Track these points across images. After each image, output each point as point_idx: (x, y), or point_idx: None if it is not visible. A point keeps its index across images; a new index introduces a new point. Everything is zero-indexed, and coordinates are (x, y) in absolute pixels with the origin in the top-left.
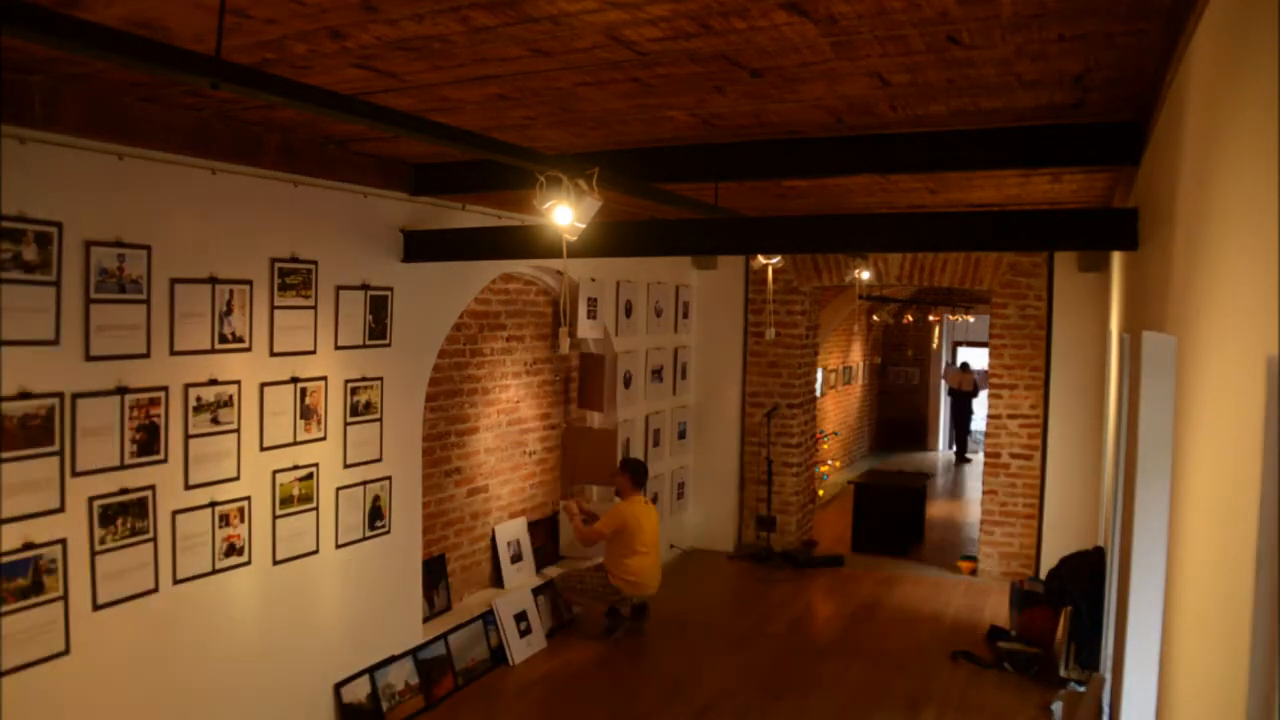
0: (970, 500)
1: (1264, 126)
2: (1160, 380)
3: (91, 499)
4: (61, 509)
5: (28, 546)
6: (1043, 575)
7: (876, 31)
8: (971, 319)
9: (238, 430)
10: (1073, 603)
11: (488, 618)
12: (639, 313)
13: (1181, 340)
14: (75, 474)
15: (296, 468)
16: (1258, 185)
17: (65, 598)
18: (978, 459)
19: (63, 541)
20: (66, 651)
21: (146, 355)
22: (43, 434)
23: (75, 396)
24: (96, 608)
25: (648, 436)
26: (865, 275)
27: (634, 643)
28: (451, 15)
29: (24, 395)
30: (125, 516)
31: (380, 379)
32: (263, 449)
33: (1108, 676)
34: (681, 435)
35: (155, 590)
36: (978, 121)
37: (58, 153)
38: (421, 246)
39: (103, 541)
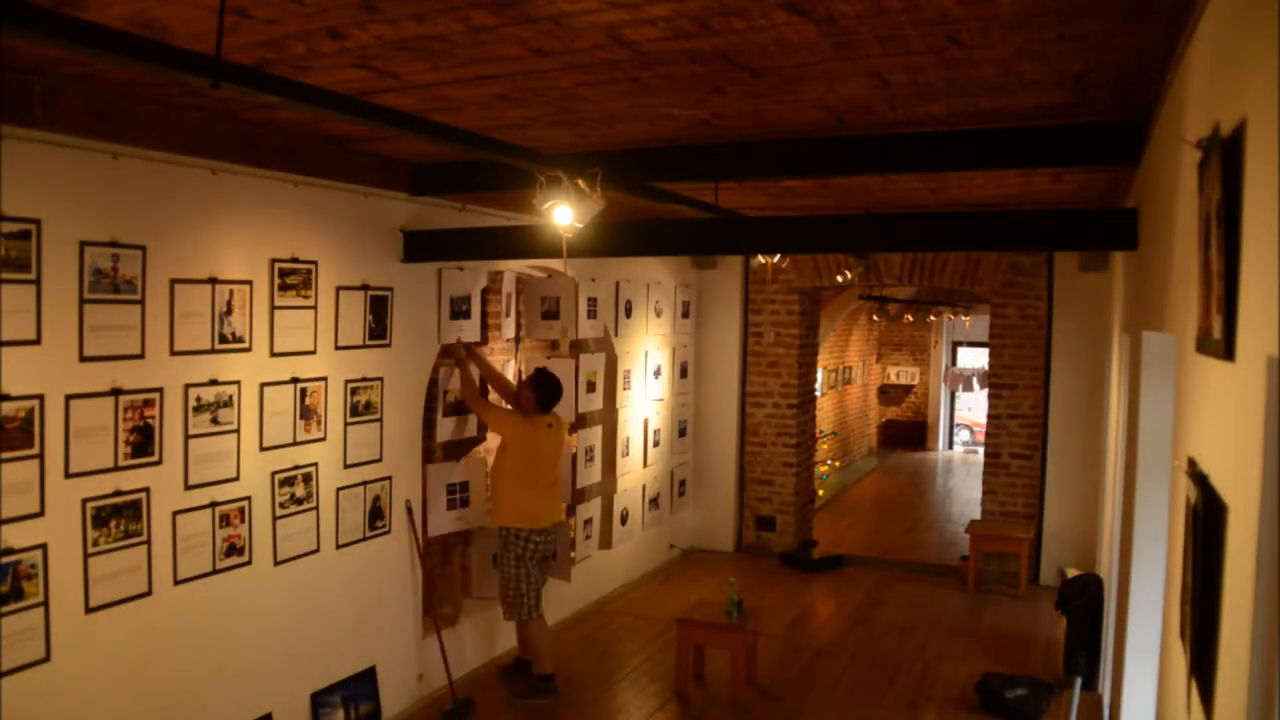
0: (970, 500)
1: (1264, 126)
2: (1160, 380)
3: (85, 500)
4: (41, 513)
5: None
6: (1042, 575)
7: (876, 32)
8: (968, 322)
9: (238, 430)
10: (1071, 615)
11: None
12: (639, 313)
13: (1181, 340)
14: (68, 475)
15: (297, 468)
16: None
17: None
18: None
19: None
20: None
21: (141, 356)
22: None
23: (69, 397)
24: (89, 610)
25: (647, 436)
26: (843, 279)
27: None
28: (451, 15)
29: (6, 397)
30: (119, 519)
31: (380, 379)
32: (263, 449)
33: (1108, 681)
34: (682, 434)
35: (149, 593)
36: (978, 121)
37: (51, 151)
38: (421, 246)
39: (95, 544)
